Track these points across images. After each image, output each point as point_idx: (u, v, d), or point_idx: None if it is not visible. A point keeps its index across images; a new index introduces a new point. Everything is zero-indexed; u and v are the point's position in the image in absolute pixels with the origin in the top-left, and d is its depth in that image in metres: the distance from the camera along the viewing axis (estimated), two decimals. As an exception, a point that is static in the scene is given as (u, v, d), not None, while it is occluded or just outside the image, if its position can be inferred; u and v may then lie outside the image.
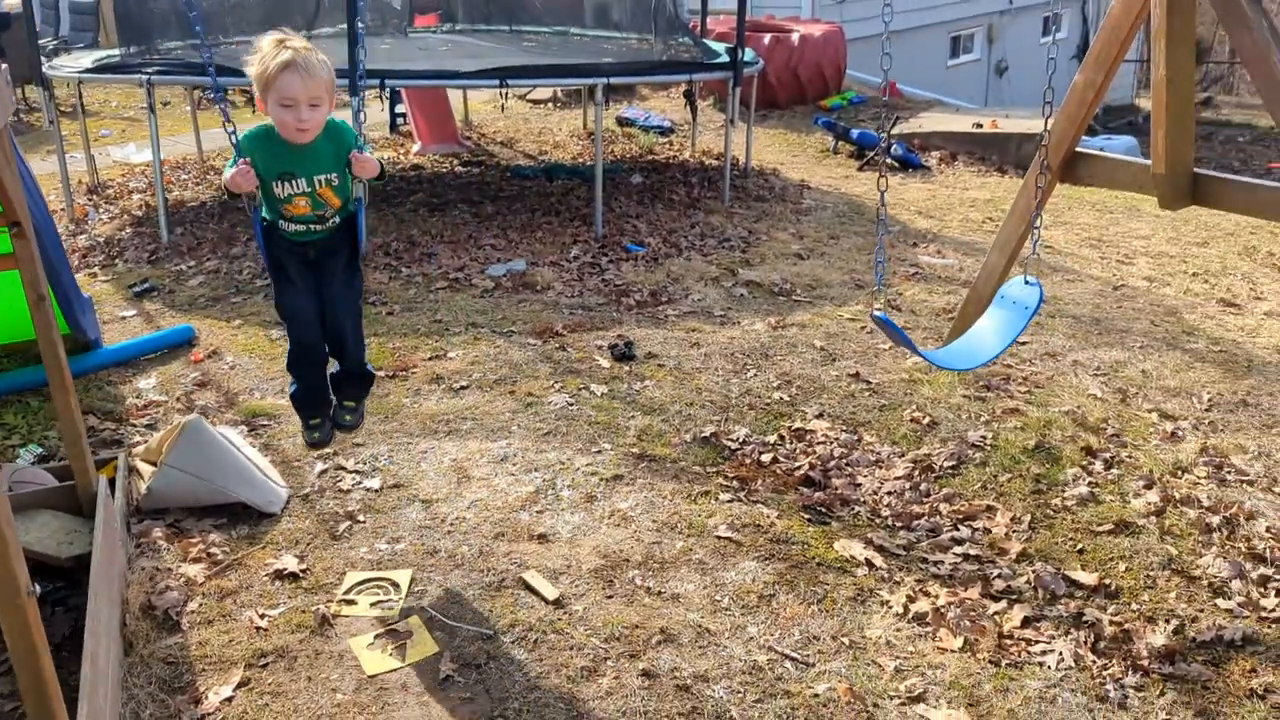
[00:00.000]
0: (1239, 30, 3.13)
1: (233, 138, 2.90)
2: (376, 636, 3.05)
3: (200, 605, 3.17)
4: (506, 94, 9.96)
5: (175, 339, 5.21)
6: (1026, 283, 3.47)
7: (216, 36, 7.90)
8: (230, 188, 2.91)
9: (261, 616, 3.12)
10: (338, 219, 3.09)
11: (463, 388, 4.72)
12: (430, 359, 5.02)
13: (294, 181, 2.96)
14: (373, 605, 3.20)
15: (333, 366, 3.36)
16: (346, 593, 3.26)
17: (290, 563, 3.37)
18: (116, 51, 7.51)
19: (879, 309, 3.37)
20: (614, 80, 7.10)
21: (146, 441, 4.08)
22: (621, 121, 11.46)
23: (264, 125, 2.96)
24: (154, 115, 6.72)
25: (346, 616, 3.15)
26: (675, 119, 11.57)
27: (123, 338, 5.30)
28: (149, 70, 6.67)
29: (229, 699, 2.78)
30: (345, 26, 8.39)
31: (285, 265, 3.10)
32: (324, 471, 3.99)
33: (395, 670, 2.92)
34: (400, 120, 10.98)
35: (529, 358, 5.05)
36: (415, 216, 7.59)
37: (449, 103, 10.67)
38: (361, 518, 3.67)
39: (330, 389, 3.39)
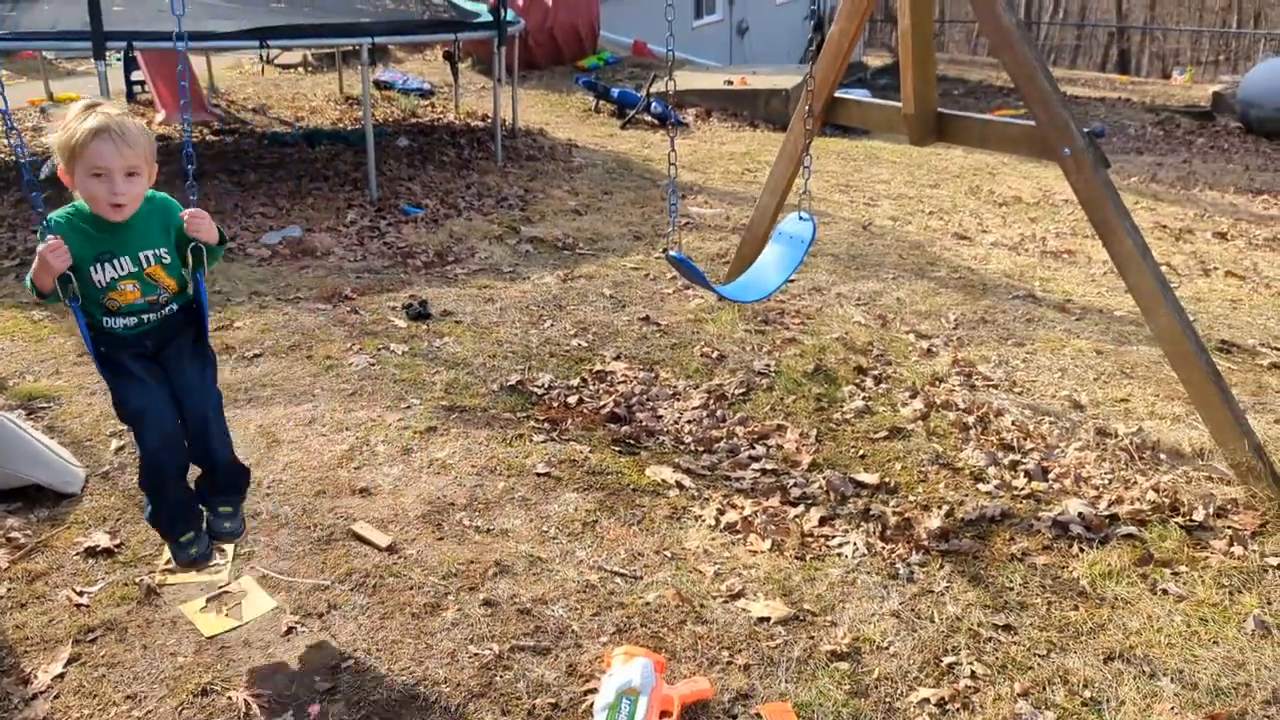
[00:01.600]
0: (969, -16, 3.55)
1: (38, 212, 2.47)
2: (209, 600, 3.03)
3: (9, 590, 3.02)
4: (267, 55, 9.55)
5: (-79, 326, 4.79)
6: (800, 219, 3.80)
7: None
8: (38, 275, 2.44)
9: (80, 594, 3.01)
10: (174, 305, 2.67)
11: (256, 355, 4.63)
12: (217, 330, 4.87)
13: (116, 262, 2.53)
14: (199, 572, 3.15)
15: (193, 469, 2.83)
16: (168, 563, 3.19)
17: (102, 539, 3.26)
18: None
19: (674, 250, 3.60)
20: (379, 40, 7.00)
21: (-88, 433, 3.78)
22: (380, 85, 11.25)
23: (72, 205, 2.56)
24: None
25: (173, 585, 3.09)
26: (434, 82, 11.47)
27: None
28: None
29: (60, 675, 2.69)
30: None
31: (119, 360, 2.62)
32: (121, 448, 3.84)
33: (235, 629, 2.91)
34: (138, 88, 10.32)
35: (321, 322, 5.00)
36: (171, 189, 7.21)
37: (192, 68, 10.12)
38: (171, 489, 3.57)
39: (197, 497, 2.88)
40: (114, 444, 3.86)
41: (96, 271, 2.52)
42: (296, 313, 5.11)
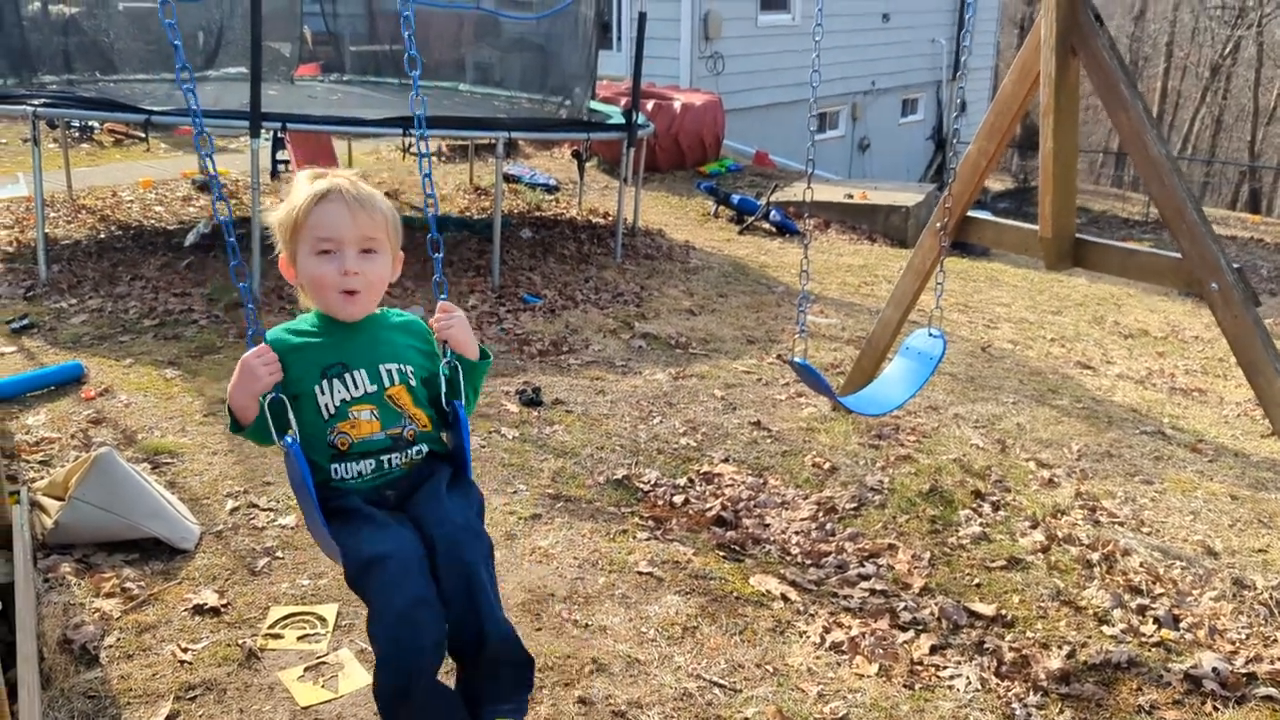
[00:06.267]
0: (1117, 112, 3.51)
1: (252, 326, 1.93)
2: (306, 669, 3.02)
3: (118, 640, 3.07)
4: (407, 143, 9.99)
5: (64, 376, 5.02)
6: (931, 335, 3.73)
7: (112, 73, 7.73)
8: (237, 395, 1.89)
9: (184, 650, 3.04)
10: (424, 446, 2.06)
11: (372, 429, 4.70)
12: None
13: (348, 378, 1.97)
14: (300, 639, 3.16)
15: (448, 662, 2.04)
16: (271, 627, 3.21)
17: (210, 597, 3.31)
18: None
19: (800, 356, 3.57)
20: (514, 135, 7.24)
21: (44, 477, 3.93)
22: (508, 178, 11.60)
23: (290, 321, 2.11)
24: (38, 148, 6.50)
25: (274, 650, 3.10)
26: (559, 178, 11.78)
27: (3, 374, 5.07)
28: (35, 101, 6.46)
29: (159, 732, 2.71)
30: (241, 69, 8.36)
31: (350, 506, 2.00)
32: (236, 509, 3.92)
33: (329, 702, 2.89)
34: (282, 167, 10.84)
35: (436, 401, 5.07)
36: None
37: (334, 151, 10.61)
38: (280, 554, 3.62)
39: (460, 698, 2.03)
40: (229, 504, 3.94)
41: (322, 393, 1.97)
42: (413, 390, 5.19)
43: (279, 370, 1.90)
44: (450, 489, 2.05)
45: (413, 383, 2.04)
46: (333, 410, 1.97)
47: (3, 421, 4.55)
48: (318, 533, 1.99)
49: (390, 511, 2.01)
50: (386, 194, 7.85)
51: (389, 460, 2.02)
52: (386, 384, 2.02)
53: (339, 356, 1.99)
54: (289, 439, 1.90)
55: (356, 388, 1.98)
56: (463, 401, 2.08)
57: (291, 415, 1.93)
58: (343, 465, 1.98)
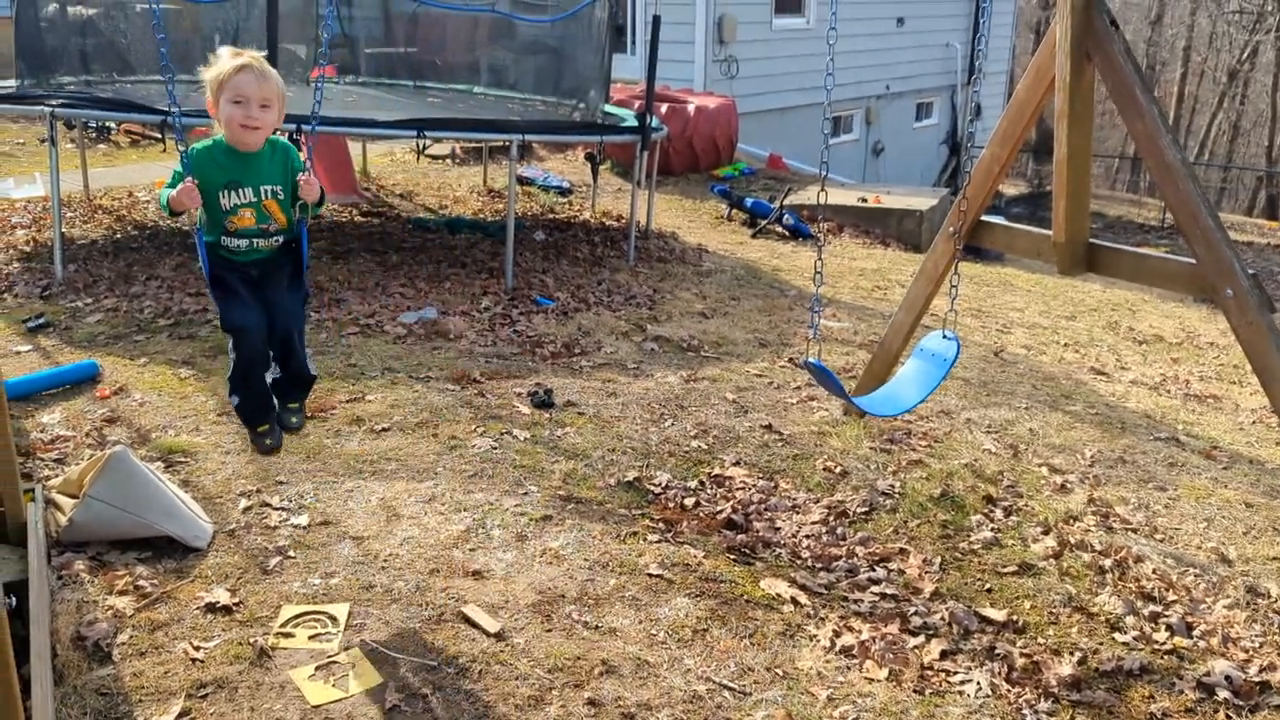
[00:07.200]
0: (1132, 117, 3.50)
1: (180, 149, 3.00)
2: (318, 668, 3.03)
3: (131, 637, 3.09)
4: (421, 144, 10.00)
5: (79, 374, 5.05)
6: (945, 337, 3.73)
7: (129, 73, 7.78)
8: (173, 205, 2.99)
9: (196, 648, 3.06)
10: (280, 238, 3.19)
11: (384, 429, 4.72)
12: (348, 401, 5.00)
13: (240, 191, 3.05)
14: (311, 638, 3.17)
15: (273, 372, 3.44)
16: (283, 626, 3.22)
17: (222, 596, 3.32)
18: (12, 83, 7.29)
19: (814, 358, 3.57)
20: (528, 137, 7.25)
21: (59, 475, 3.95)
22: (521, 180, 11.63)
23: (211, 139, 3.09)
24: (55, 148, 6.55)
25: (285, 649, 3.11)
26: (573, 180, 11.80)
27: (18, 373, 5.11)
28: (53, 102, 6.51)
29: (170, 729, 2.72)
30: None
31: (229, 282, 3.16)
32: (249, 508, 3.93)
33: (340, 700, 2.90)
34: (297, 168, 10.91)
35: (449, 403, 5.08)
36: (319, 264, 7.54)
37: (348, 153, 10.65)
38: (292, 553, 3.63)
39: (273, 395, 3.45)
40: (242, 503, 3.96)
41: (223, 197, 3.03)
42: (426, 391, 5.21)
43: (199, 199, 2.98)
44: (288, 284, 3.24)
45: (280, 198, 3.10)
46: (228, 208, 3.05)
47: (18, 420, 4.58)
48: (209, 291, 3.19)
49: (253, 285, 3.16)
50: (400, 195, 7.84)
51: (257, 243, 3.15)
52: (263, 198, 3.07)
53: (236, 175, 3.03)
54: (200, 228, 3.07)
55: (244, 197, 3.05)
56: (306, 220, 3.21)
57: (203, 212, 3.03)
58: (230, 240, 3.11)
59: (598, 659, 3.15)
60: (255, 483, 4.13)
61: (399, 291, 6.97)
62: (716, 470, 4.58)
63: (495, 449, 4.60)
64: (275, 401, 3.45)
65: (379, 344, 5.92)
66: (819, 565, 3.85)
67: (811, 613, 3.52)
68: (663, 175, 12.29)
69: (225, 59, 3.01)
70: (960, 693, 3.13)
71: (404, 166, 12.07)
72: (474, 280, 7.39)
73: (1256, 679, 3.21)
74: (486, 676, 3.04)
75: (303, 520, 3.86)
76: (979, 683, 3.17)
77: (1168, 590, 3.74)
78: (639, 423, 5.03)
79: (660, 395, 5.42)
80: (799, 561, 3.87)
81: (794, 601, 3.58)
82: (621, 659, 3.17)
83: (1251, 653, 3.37)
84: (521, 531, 3.91)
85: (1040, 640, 3.42)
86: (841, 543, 4.02)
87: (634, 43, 14.76)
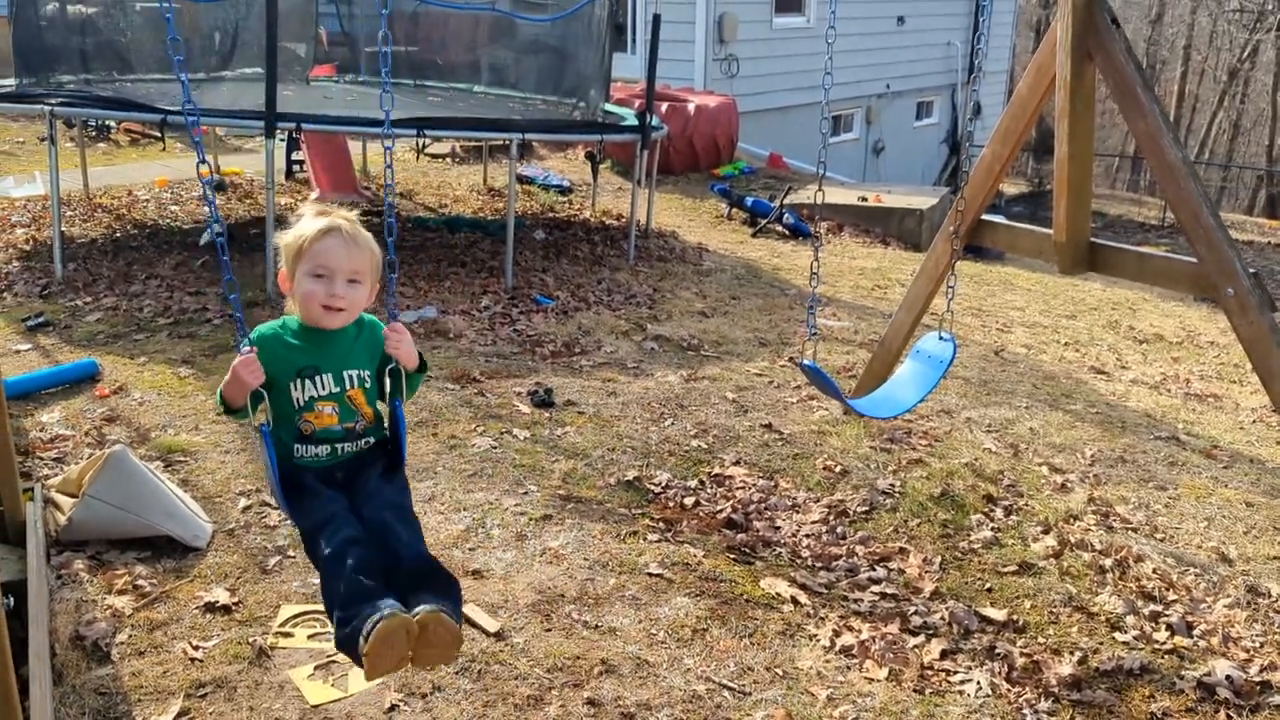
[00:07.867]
0: (1134, 116, 3.49)
1: (238, 320, 2.33)
2: (316, 667, 3.03)
3: (130, 636, 3.09)
4: (422, 143, 9.98)
5: (78, 373, 5.05)
6: (941, 338, 3.72)
7: (128, 72, 7.78)
8: (228, 390, 2.27)
9: (195, 648, 3.06)
10: (370, 438, 2.43)
11: (384, 429, 4.71)
12: (348, 400, 4.99)
13: (317, 380, 2.34)
14: (310, 638, 3.17)
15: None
16: (282, 625, 3.22)
17: (221, 595, 3.32)
18: (11, 81, 7.28)
19: (809, 359, 3.56)
20: (528, 136, 7.25)
21: (59, 474, 3.95)
22: (521, 179, 11.61)
23: (279, 320, 2.44)
24: (54, 147, 6.54)
25: (284, 648, 3.11)
26: (573, 179, 11.79)
27: (18, 372, 5.11)
28: (52, 100, 6.50)
29: (169, 729, 2.72)
30: (257, 70, 8.38)
31: (304, 481, 2.37)
32: (248, 507, 3.93)
33: (339, 700, 2.90)
34: (297, 167, 10.88)
35: (449, 402, 5.08)
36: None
37: (348, 152, 10.65)
38: (291, 553, 3.63)
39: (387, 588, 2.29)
40: (242, 503, 3.96)
41: (296, 388, 2.32)
42: (426, 390, 5.20)
43: (261, 375, 2.25)
44: (381, 478, 2.43)
45: (368, 385, 2.41)
46: (302, 403, 2.34)
47: (18, 418, 4.58)
48: (278, 500, 2.37)
49: (336, 489, 2.37)
50: (400, 194, 7.82)
51: (341, 448, 2.40)
52: (348, 386, 2.37)
53: (312, 360, 2.35)
54: (264, 427, 2.29)
55: (323, 388, 2.35)
56: (402, 401, 2.45)
57: (268, 404, 2.29)
58: (304, 446, 2.36)
59: (597, 658, 3.15)
60: (254, 482, 4.12)
61: (399, 290, 6.96)
62: (716, 470, 4.57)
63: (495, 448, 4.60)
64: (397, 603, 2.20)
65: (379, 343, 5.91)
66: (819, 565, 3.84)
67: (811, 612, 3.52)
68: (663, 174, 12.27)
69: (308, 219, 2.36)
70: (960, 692, 3.13)
71: (404, 165, 12.06)
72: (474, 279, 7.39)
73: (1257, 678, 3.21)
74: (486, 676, 3.03)
75: (302, 519, 3.85)
76: (979, 682, 3.16)
77: (1168, 590, 3.74)
78: (639, 422, 5.02)
79: (660, 394, 5.41)
80: (799, 561, 3.87)
81: (794, 601, 3.57)
82: (621, 658, 3.17)
83: (1252, 652, 3.37)
84: (521, 531, 3.90)
85: (1040, 640, 3.42)
86: (841, 542, 4.02)
87: (634, 42, 14.74)
